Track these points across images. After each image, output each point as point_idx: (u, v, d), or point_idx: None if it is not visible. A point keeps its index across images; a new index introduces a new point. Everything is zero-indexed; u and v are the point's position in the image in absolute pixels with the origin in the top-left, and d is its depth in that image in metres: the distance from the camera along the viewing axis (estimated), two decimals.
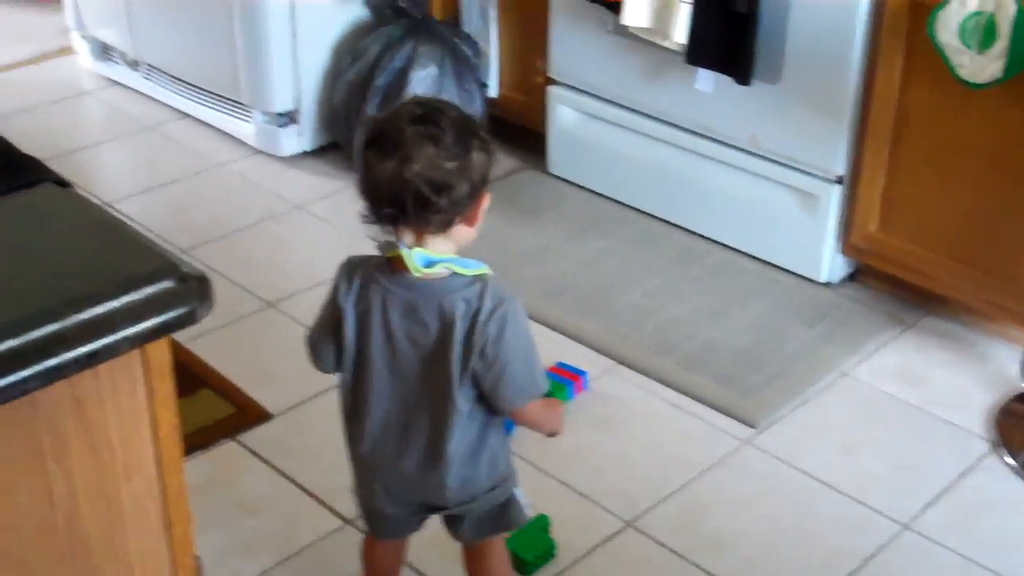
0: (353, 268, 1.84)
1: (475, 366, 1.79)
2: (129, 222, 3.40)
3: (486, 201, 1.80)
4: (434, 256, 1.77)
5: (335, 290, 1.85)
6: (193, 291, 1.22)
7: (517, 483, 2.01)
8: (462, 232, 1.80)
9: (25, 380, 1.11)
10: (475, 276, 1.80)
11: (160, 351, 1.26)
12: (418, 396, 1.85)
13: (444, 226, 1.76)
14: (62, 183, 1.40)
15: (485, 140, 1.78)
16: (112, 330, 1.16)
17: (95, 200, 3.50)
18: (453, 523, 2.02)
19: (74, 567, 1.28)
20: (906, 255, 2.99)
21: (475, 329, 1.77)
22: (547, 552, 2.35)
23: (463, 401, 1.83)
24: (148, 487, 1.30)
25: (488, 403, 1.86)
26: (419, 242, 1.77)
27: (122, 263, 1.24)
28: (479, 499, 1.95)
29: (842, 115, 2.96)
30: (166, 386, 1.27)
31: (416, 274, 1.76)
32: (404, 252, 1.75)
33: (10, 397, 1.11)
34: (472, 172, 1.75)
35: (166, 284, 1.21)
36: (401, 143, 1.71)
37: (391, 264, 1.80)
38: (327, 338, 1.87)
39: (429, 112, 1.76)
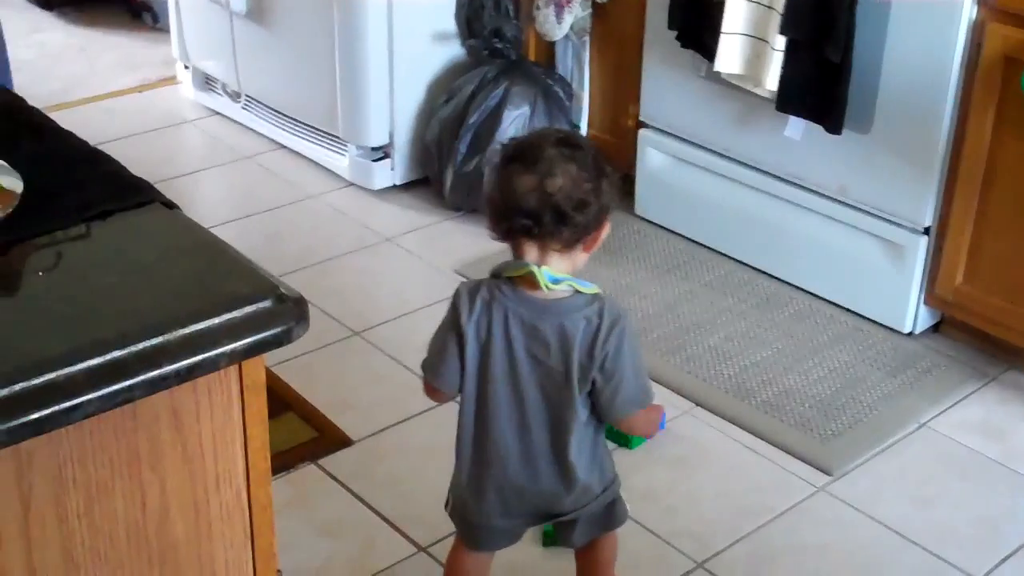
0: (474, 290, 1.93)
1: (595, 379, 1.91)
2: None
3: (607, 230, 1.92)
4: (557, 275, 1.87)
5: (455, 313, 1.93)
6: (290, 311, 1.28)
7: (620, 483, 2.10)
8: (580, 256, 1.92)
9: (129, 389, 1.18)
10: (593, 295, 1.91)
11: (256, 368, 1.32)
12: (540, 412, 1.95)
13: (571, 244, 1.88)
14: (169, 205, 1.47)
15: (613, 172, 1.92)
16: (212, 346, 1.22)
17: None
18: (563, 530, 2.10)
19: (162, 571, 1.34)
20: (991, 308, 2.97)
21: (596, 345, 1.88)
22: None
23: (582, 412, 1.94)
24: (237, 498, 1.35)
25: (599, 412, 1.97)
26: (542, 260, 1.88)
27: (224, 282, 1.31)
28: (591, 503, 2.04)
29: (932, 166, 2.96)
30: (259, 402, 1.33)
31: (545, 290, 1.87)
32: (534, 269, 1.86)
33: (113, 405, 1.17)
34: (603, 196, 1.88)
35: (265, 304, 1.27)
36: (545, 159, 1.84)
37: (512, 284, 1.90)
38: (449, 361, 1.95)
39: (570, 137, 1.94)
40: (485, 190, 1.92)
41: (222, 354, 1.23)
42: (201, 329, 1.22)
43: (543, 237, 1.86)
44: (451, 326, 1.94)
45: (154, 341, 1.20)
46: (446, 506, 2.14)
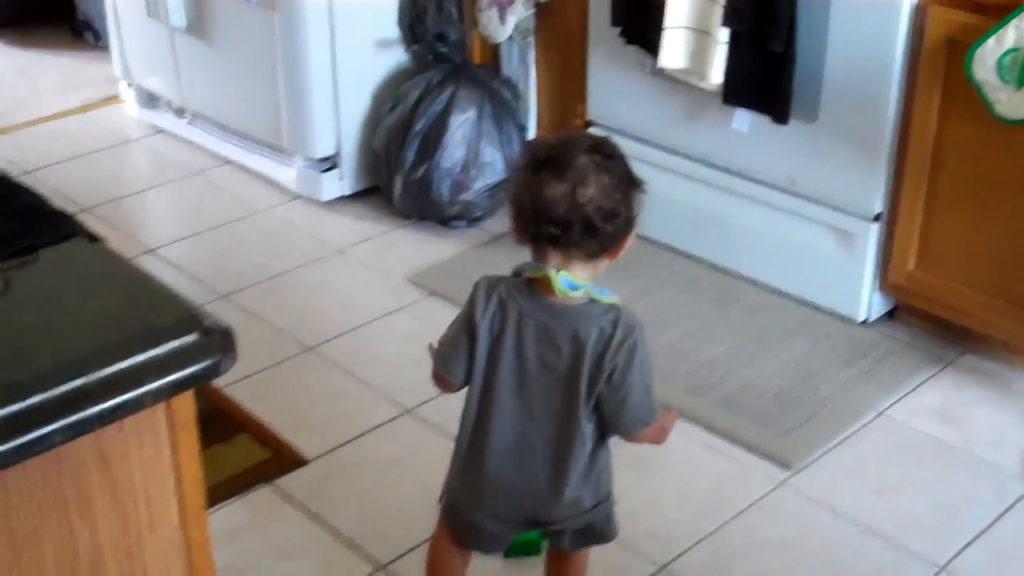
0: (492, 286, 1.91)
1: (602, 390, 1.88)
2: (172, 267, 3.47)
3: (632, 239, 1.90)
4: (576, 281, 1.84)
5: (472, 306, 1.91)
6: (217, 344, 1.25)
7: (614, 501, 2.09)
8: (603, 264, 1.89)
9: (51, 435, 1.14)
10: (610, 304, 1.88)
11: (185, 404, 1.28)
12: (542, 416, 1.93)
13: (596, 254, 1.85)
14: (92, 237, 1.43)
15: (642, 181, 1.89)
16: (137, 384, 1.19)
17: (139, 246, 3.57)
18: (557, 537, 2.08)
19: None
20: (944, 293, 2.97)
21: (607, 355, 1.86)
22: (534, 543, 2.37)
23: (586, 422, 1.92)
24: (172, 540, 1.32)
25: (603, 425, 1.94)
26: (564, 266, 1.85)
27: (148, 317, 1.28)
28: (581, 516, 2.02)
29: (879, 153, 2.96)
30: (190, 439, 1.30)
31: (559, 296, 1.84)
32: (551, 273, 1.83)
33: (36, 452, 1.14)
34: (633, 207, 1.86)
35: (190, 338, 1.23)
36: (577, 168, 1.80)
37: (530, 285, 1.88)
38: (459, 353, 1.93)
39: (602, 144, 1.86)
40: (511, 190, 1.87)
41: (147, 392, 1.19)
42: (124, 367, 1.19)
43: (569, 247, 1.83)
44: (465, 319, 1.92)
45: (75, 383, 1.16)
46: (440, 499, 2.13)
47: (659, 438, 2.02)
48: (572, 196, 1.79)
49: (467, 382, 1.96)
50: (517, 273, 1.90)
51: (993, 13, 2.64)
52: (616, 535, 2.12)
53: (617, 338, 1.85)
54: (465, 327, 1.92)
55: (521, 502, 2.01)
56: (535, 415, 1.93)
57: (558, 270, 1.83)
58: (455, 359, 1.94)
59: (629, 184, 1.86)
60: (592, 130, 3.54)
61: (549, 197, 1.79)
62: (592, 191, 1.79)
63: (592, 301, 1.87)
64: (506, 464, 1.97)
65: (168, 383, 1.21)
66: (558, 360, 1.89)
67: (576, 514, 2.01)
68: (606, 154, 1.84)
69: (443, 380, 2.00)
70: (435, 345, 2.01)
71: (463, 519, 2.08)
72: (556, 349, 1.88)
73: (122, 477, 1.26)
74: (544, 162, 1.82)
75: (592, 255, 1.85)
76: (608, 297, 1.88)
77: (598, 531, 2.09)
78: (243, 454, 2.74)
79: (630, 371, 1.87)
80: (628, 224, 1.86)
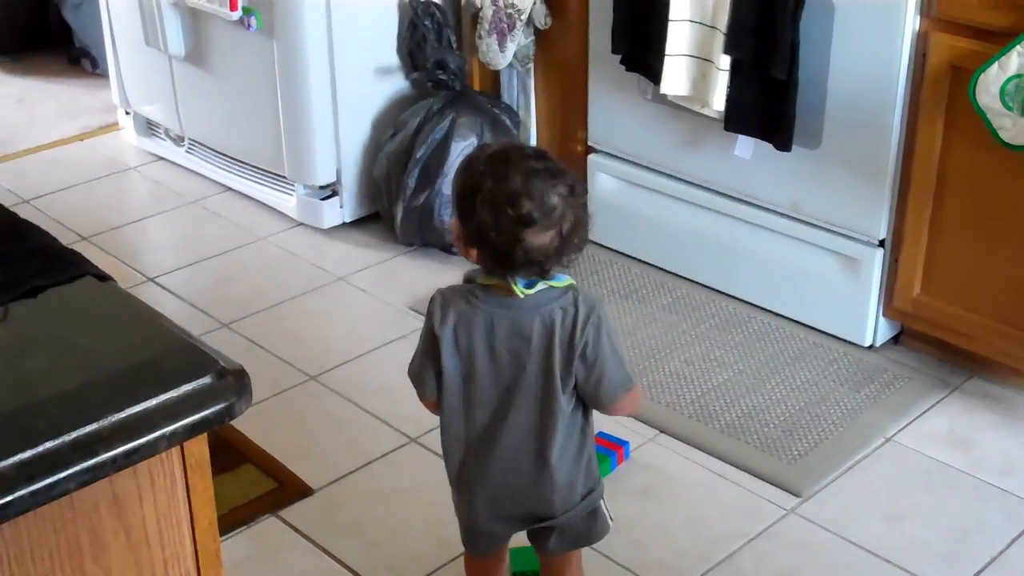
0: (448, 297, 1.95)
1: (576, 368, 1.93)
2: (172, 296, 3.45)
3: None
4: (531, 279, 1.92)
5: (430, 319, 1.95)
6: (231, 387, 1.23)
7: (603, 493, 2.12)
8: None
9: (65, 480, 1.12)
10: (566, 286, 1.94)
11: (199, 447, 1.27)
12: (522, 408, 1.96)
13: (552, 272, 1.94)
14: (102, 277, 1.42)
15: (579, 182, 1.97)
16: (150, 429, 1.17)
17: (138, 276, 3.55)
18: (542, 538, 2.11)
19: None
20: (950, 317, 2.96)
21: (575, 333, 1.91)
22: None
23: (566, 404, 1.95)
24: None
25: (587, 403, 1.99)
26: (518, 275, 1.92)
27: (161, 359, 1.26)
28: (576, 506, 2.05)
29: (883, 179, 2.95)
30: (204, 481, 1.28)
31: (520, 295, 1.90)
32: (509, 281, 1.90)
33: (50, 498, 1.12)
34: (587, 222, 1.93)
35: (204, 381, 1.22)
36: (555, 208, 1.85)
37: (487, 288, 1.93)
38: (429, 368, 1.99)
39: (557, 171, 1.89)
40: (476, 218, 1.86)
41: (161, 436, 1.18)
42: (138, 412, 1.17)
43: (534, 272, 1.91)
44: (427, 333, 1.97)
45: (89, 428, 1.15)
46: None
47: (636, 406, 2.08)
48: (559, 239, 1.86)
49: (440, 394, 2.00)
50: (470, 279, 1.96)
51: (996, 40, 2.64)
52: (606, 533, 2.15)
53: (582, 314, 1.91)
54: (428, 341, 1.97)
55: (521, 498, 2.04)
56: (517, 410, 1.97)
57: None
58: (427, 374, 2.00)
59: (583, 201, 1.93)
60: (594, 157, 3.54)
61: (537, 245, 1.85)
62: (572, 229, 1.87)
63: (549, 287, 1.93)
64: (501, 463, 2.00)
65: (182, 427, 1.20)
66: (529, 349, 1.93)
67: (573, 503, 2.04)
68: (571, 186, 1.89)
69: (424, 400, 2.05)
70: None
71: (467, 527, 2.13)
72: (526, 340, 1.92)
73: (136, 521, 1.24)
74: (531, 214, 1.83)
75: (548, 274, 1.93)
76: (563, 280, 1.94)
77: (588, 528, 2.11)
78: (248, 485, 2.72)
79: (600, 343, 1.93)
80: (584, 240, 1.93)
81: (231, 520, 2.60)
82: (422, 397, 2.05)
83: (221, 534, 2.47)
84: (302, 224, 3.83)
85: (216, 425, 1.21)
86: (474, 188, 1.85)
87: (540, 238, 1.85)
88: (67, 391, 1.20)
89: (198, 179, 4.12)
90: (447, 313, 1.94)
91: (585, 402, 2.00)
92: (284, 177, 3.81)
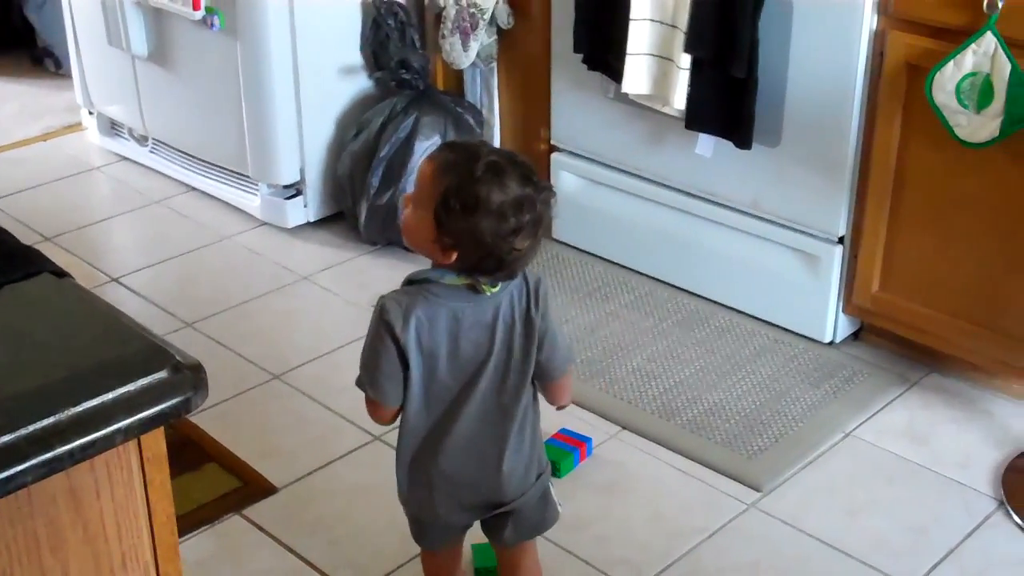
0: (402, 303, 1.93)
1: (540, 335, 1.98)
2: (136, 296, 3.45)
3: None
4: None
5: (388, 326, 1.92)
6: (188, 380, 1.24)
7: (551, 473, 2.17)
8: None
9: (21, 474, 1.13)
10: None
11: (156, 441, 1.27)
12: (483, 396, 1.99)
13: None
14: (60, 273, 1.42)
15: None
16: (107, 422, 1.18)
17: (102, 275, 3.55)
18: (498, 528, 2.12)
19: None
20: (909, 314, 3.00)
21: (530, 304, 1.98)
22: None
23: (528, 391, 2.02)
24: None
25: (539, 376, 2.03)
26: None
27: (117, 354, 1.27)
28: (529, 490, 2.08)
29: (842, 176, 2.98)
30: (162, 475, 1.29)
31: (488, 294, 1.94)
32: (478, 282, 1.93)
33: (7, 491, 1.12)
34: None
35: (160, 374, 1.22)
36: (545, 223, 1.94)
37: (450, 287, 1.94)
38: (391, 376, 1.96)
39: (552, 189, 1.97)
40: (469, 224, 1.87)
41: (118, 430, 1.18)
42: (94, 406, 1.18)
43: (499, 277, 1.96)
44: (384, 342, 1.93)
45: (45, 422, 1.15)
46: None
47: (571, 388, 2.14)
48: (536, 244, 1.93)
49: (404, 399, 1.99)
50: (419, 280, 1.95)
51: (951, 38, 2.67)
52: (556, 519, 2.18)
53: (531, 284, 1.98)
54: (388, 347, 1.93)
55: (478, 486, 2.06)
56: (478, 398, 1.99)
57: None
58: (389, 382, 1.96)
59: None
60: (557, 155, 3.56)
61: (525, 252, 1.91)
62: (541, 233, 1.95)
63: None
64: (459, 453, 2.02)
65: (139, 420, 1.20)
66: (493, 337, 1.96)
67: (526, 487, 2.07)
68: (551, 189, 1.97)
69: (379, 408, 2.00)
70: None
71: (426, 523, 2.14)
72: (488, 328, 1.96)
73: (93, 514, 1.25)
74: (532, 221, 1.89)
75: None
76: None
77: (539, 515, 2.14)
78: (211, 483, 2.72)
79: (548, 314, 2.00)
80: None
81: (195, 519, 2.60)
82: (380, 407, 2.00)
83: (185, 533, 2.50)
84: (266, 224, 3.83)
85: (173, 419, 1.22)
86: (472, 196, 1.85)
87: (528, 245, 1.90)
88: (23, 386, 1.20)
89: (162, 179, 4.12)
90: (408, 317, 1.91)
91: (535, 378, 2.03)
92: (248, 177, 3.81)
